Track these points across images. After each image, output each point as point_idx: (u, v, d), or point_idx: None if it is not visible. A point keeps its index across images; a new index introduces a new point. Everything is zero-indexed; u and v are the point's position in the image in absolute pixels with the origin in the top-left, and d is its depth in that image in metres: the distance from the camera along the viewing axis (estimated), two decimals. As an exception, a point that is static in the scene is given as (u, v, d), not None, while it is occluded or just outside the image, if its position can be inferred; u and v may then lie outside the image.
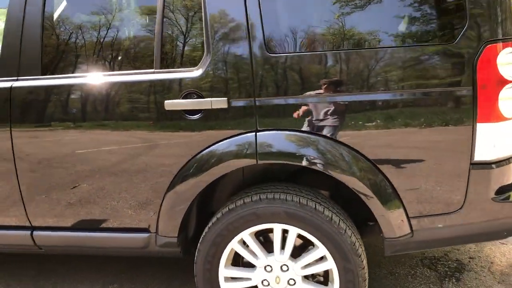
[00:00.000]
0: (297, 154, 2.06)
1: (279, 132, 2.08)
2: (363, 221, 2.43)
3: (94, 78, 2.25)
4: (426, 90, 1.99)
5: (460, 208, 2.07)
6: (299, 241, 2.27)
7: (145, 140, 2.21)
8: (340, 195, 2.42)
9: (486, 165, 2.01)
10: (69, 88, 2.27)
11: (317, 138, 2.06)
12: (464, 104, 1.97)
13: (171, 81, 2.15)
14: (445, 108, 1.99)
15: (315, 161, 2.06)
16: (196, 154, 2.16)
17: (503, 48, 1.94)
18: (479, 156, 2.00)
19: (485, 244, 3.22)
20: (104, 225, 2.37)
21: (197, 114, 2.13)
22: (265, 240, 2.31)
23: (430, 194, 2.07)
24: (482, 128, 1.96)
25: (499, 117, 1.96)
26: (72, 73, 2.31)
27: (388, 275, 2.90)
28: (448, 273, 2.90)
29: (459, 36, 1.94)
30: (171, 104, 2.13)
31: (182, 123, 2.14)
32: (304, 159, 2.06)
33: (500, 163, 2.03)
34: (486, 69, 1.93)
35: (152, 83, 2.17)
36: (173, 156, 2.19)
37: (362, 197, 2.06)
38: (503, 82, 1.95)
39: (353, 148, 2.05)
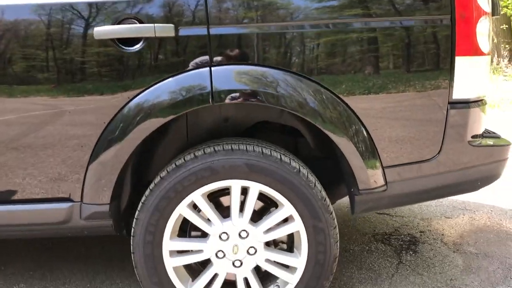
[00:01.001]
0: (265, 93, 1.74)
1: (239, 67, 1.74)
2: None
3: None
4: (400, 18, 1.78)
5: (438, 154, 1.87)
6: (259, 205, 1.94)
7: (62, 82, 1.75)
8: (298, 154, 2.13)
9: (464, 104, 1.85)
10: None
11: (290, 76, 1.75)
12: (442, 36, 1.79)
13: (100, 4, 1.72)
14: (422, 40, 1.80)
15: (287, 102, 1.75)
16: (133, 98, 1.74)
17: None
18: (457, 94, 1.82)
19: (432, 219, 3.12)
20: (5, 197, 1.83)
21: (136, 44, 1.72)
22: (216, 206, 1.94)
23: (406, 140, 1.85)
24: (461, 62, 1.79)
25: (478, 51, 1.81)
26: None
27: (343, 252, 2.65)
28: (404, 246, 2.73)
29: None
30: (102, 32, 1.70)
31: (116, 58, 1.72)
32: (273, 99, 1.74)
33: (477, 102, 1.88)
34: (464, -4, 1.77)
35: (73, 7, 1.72)
36: (100, 104, 1.75)
37: (337, 142, 1.78)
38: (480, 12, 1.80)
39: (328, 89, 1.77)
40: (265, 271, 1.90)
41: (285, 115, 2.04)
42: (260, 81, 1.74)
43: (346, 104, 1.78)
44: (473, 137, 1.90)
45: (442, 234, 2.89)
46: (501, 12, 11.99)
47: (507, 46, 13.32)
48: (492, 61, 12.88)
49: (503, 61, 13.41)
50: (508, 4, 11.87)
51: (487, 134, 2.05)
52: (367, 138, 1.81)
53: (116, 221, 1.91)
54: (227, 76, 1.73)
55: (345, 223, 3.06)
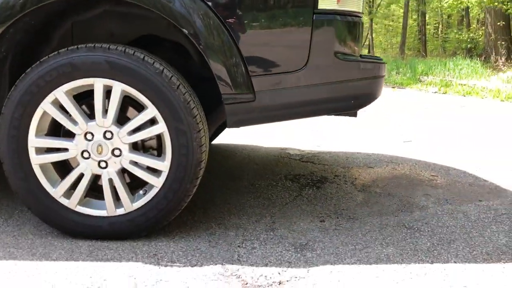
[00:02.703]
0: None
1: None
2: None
3: None
4: None
5: (304, 66, 1.89)
6: (135, 113, 1.96)
7: None
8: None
9: (331, 15, 1.85)
10: None
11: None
12: None
13: None
14: None
15: None
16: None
17: None
18: (324, 4, 1.83)
19: (353, 167, 3.12)
20: None
21: None
22: (89, 108, 1.96)
23: (272, 49, 1.87)
24: None
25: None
26: None
27: (249, 186, 2.68)
28: (310, 184, 2.74)
29: None
30: None
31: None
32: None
33: (347, 16, 1.89)
34: None
35: None
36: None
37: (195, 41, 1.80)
38: None
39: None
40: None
41: (171, 30, 2.06)
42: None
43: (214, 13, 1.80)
44: (343, 51, 1.91)
45: (356, 178, 2.89)
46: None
47: (503, 43, 13.20)
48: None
49: (501, 59, 13.30)
50: (505, 0, 11.77)
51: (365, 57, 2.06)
52: (230, 43, 1.82)
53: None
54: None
55: (265, 166, 3.09)
